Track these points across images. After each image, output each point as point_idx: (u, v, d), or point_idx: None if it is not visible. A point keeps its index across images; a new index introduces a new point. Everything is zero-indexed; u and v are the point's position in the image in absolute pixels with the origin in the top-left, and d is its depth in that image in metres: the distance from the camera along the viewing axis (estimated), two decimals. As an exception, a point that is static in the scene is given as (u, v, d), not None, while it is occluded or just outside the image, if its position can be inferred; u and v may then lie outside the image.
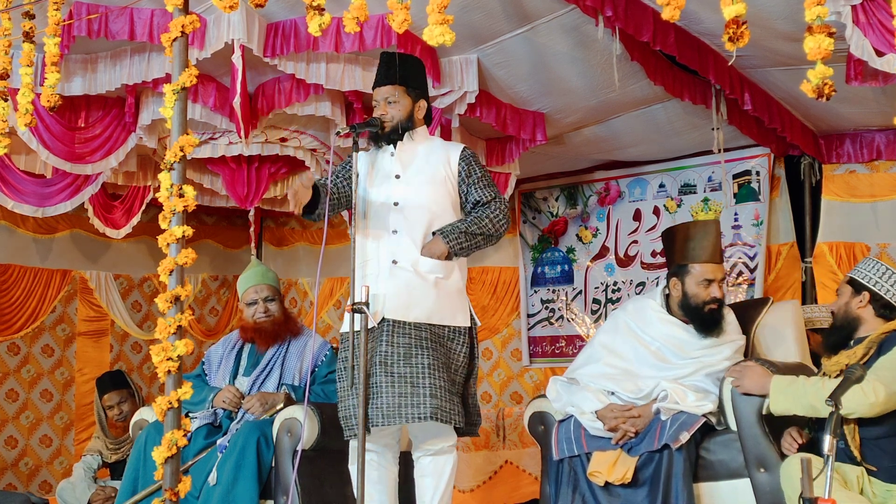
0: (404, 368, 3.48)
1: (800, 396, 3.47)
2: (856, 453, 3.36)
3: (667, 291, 4.07)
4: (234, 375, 4.47)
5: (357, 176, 3.65)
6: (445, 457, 3.64)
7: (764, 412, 3.66)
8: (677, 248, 4.07)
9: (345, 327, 3.68)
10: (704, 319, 3.95)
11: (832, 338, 3.67)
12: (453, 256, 3.64)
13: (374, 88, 3.78)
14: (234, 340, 4.61)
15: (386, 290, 3.54)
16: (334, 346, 4.60)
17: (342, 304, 7.23)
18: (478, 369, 3.76)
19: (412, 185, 3.66)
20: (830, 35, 2.40)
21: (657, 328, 4.02)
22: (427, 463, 3.65)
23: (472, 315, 3.71)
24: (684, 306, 3.98)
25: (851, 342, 3.60)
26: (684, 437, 3.65)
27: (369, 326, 3.51)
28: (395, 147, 3.72)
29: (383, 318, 3.53)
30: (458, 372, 3.62)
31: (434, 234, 3.63)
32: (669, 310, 4.05)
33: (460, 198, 3.73)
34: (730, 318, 4.05)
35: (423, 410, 3.44)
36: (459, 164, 3.72)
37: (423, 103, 3.77)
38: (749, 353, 4.14)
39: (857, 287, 3.62)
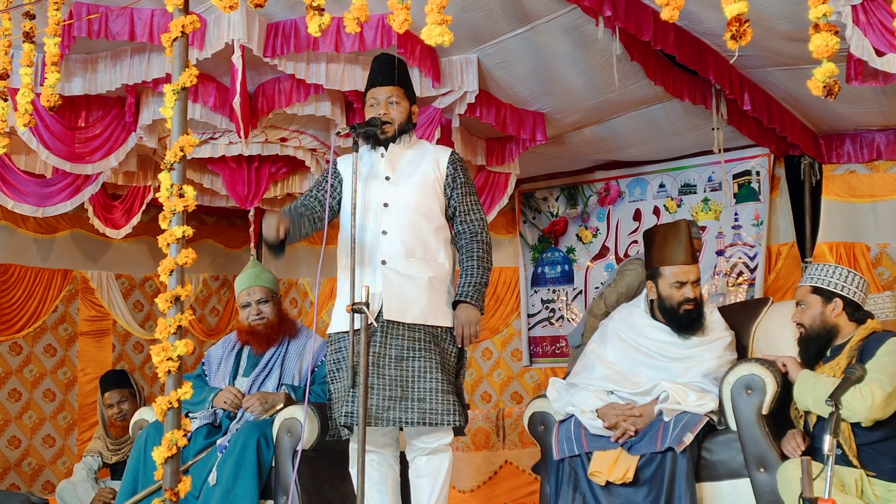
0: (395, 371, 3.50)
1: (808, 390, 3.48)
2: (853, 459, 3.36)
3: (650, 296, 4.10)
4: (234, 376, 4.47)
5: (340, 181, 3.75)
6: (441, 456, 3.63)
7: (764, 412, 3.66)
8: (651, 252, 4.10)
9: (335, 327, 3.68)
10: (681, 321, 3.98)
11: (811, 349, 3.63)
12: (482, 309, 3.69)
13: (370, 88, 3.77)
14: (233, 341, 4.61)
15: (379, 290, 3.54)
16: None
17: (342, 305, 7.23)
18: (465, 367, 3.76)
19: (401, 186, 3.68)
20: (836, 34, 2.40)
21: (644, 333, 4.05)
22: (422, 463, 3.64)
23: None
24: (661, 308, 4.02)
25: (828, 352, 3.60)
26: (688, 438, 3.66)
27: (357, 327, 3.52)
28: (386, 149, 3.73)
29: (380, 319, 3.54)
30: (451, 371, 3.64)
31: (455, 303, 3.63)
32: (654, 314, 4.07)
33: (444, 200, 3.75)
34: (714, 316, 4.06)
35: (410, 415, 3.47)
36: (448, 166, 3.75)
37: (415, 108, 3.82)
38: (748, 352, 4.15)
39: (825, 295, 3.59)
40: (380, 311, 3.54)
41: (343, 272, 3.59)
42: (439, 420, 3.49)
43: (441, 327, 3.61)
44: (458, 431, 3.71)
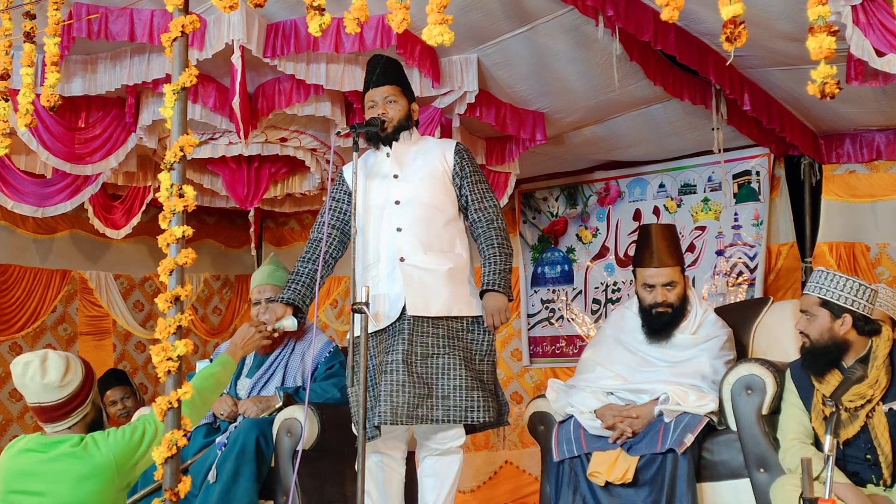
0: (421, 368, 3.52)
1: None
2: (886, 475, 3.24)
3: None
4: (238, 377, 4.47)
5: (348, 194, 3.76)
6: (451, 457, 3.65)
7: (764, 412, 3.66)
8: (635, 253, 4.13)
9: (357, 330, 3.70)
10: (651, 323, 3.99)
11: (818, 362, 3.41)
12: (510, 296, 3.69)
13: (368, 90, 3.80)
14: (241, 340, 4.60)
15: (400, 288, 3.56)
16: (336, 344, 4.61)
17: (339, 304, 7.25)
18: (495, 350, 3.73)
19: (411, 182, 3.70)
20: (833, 34, 2.39)
21: (636, 336, 4.05)
22: (432, 463, 3.66)
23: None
24: (640, 309, 4.01)
25: (847, 365, 3.38)
26: (689, 439, 3.66)
27: (380, 327, 3.57)
28: (390, 148, 3.74)
29: (406, 316, 3.56)
30: (484, 361, 3.65)
31: (482, 293, 3.65)
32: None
33: (455, 191, 3.76)
34: (709, 316, 4.02)
35: (434, 413, 3.48)
36: (454, 157, 3.78)
37: (415, 105, 3.86)
38: (749, 352, 4.15)
39: (834, 310, 3.37)
40: (403, 308, 3.56)
41: (361, 273, 3.61)
42: (461, 417, 3.51)
43: (464, 318, 3.63)
44: (502, 422, 3.71)
